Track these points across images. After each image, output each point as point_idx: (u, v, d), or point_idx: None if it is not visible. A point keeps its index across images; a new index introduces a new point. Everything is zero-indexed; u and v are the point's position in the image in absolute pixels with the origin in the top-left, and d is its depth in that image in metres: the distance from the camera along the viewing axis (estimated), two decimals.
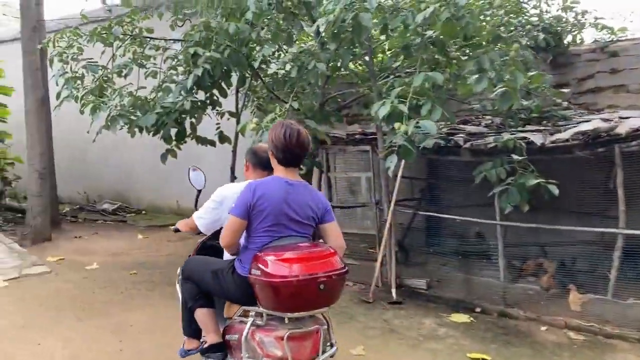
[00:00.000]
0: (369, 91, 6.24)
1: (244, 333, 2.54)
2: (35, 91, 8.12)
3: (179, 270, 3.16)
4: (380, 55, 6.41)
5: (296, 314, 2.47)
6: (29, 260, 6.60)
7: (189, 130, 5.63)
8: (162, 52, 5.85)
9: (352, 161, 6.42)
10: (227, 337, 2.83)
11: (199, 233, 3.08)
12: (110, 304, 5.14)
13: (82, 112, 5.36)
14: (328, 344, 2.63)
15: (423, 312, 4.86)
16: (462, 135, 5.29)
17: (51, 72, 5.58)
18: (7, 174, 10.17)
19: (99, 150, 10.19)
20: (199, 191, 3.43)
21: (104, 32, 5.19)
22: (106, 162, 11.07)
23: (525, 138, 4.72)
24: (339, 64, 5.44)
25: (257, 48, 5.35)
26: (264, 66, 5.99)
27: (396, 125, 3.88)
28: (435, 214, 5.58)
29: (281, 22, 4.90)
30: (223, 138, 5.83)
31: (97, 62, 5.29)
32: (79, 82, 5.29)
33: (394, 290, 5.17)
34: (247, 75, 5.73)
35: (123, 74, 5.38)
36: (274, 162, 2.67)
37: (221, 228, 2.79)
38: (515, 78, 4.20)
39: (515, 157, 4.47)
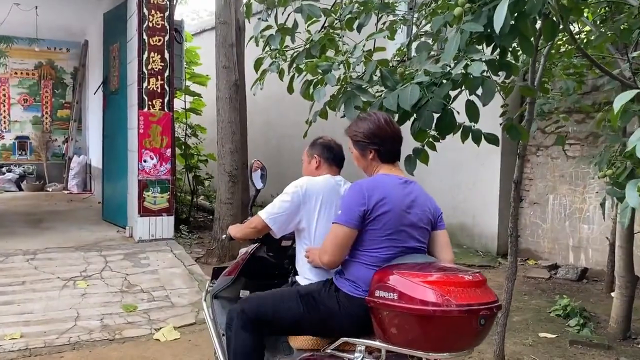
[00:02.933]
0: None
1: None
2: (229, 74, 6.55)
3: (207, 285, 3.03)
4: None
5: (444, 355, 1.93)
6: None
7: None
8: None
9: None
10: None
11: (259, 239, 2.75)
12: None
13: (290, 91, 3.35)
14: None
15: None
16: None
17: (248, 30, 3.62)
18: (199, 172, 9.08)
19: (304, 145, 8.57)
20: (258, 190, 3.07)
21: None
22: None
23: None
24: None
25: None
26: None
27: None
28: None
29: None
30: (515, 131, 3.31)
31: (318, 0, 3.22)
32: (291, 42, 3.27)
33: None
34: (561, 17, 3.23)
35: (355, 24, 3.26)
36: (374, 161, 2.29)
37: (280, 239, 2.64)
38: None
39: None
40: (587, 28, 4.87)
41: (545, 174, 6.43)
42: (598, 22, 4.56)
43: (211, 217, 9.34)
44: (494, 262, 6.38)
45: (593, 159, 5.34)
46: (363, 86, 2.85)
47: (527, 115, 3.62)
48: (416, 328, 1.94)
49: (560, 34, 4.20)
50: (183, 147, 8.64)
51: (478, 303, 1.91)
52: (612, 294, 5.14)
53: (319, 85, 2.93)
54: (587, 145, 6.04)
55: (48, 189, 11.30)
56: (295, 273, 2.75)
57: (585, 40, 4.51)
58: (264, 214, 2.50)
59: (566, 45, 4.45)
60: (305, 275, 2.51)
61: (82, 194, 10.85)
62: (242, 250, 3.19)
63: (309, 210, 2.47)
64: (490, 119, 3.59)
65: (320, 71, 2.85)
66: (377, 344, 2.06)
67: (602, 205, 3.78)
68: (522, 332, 4.29)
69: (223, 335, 3.00)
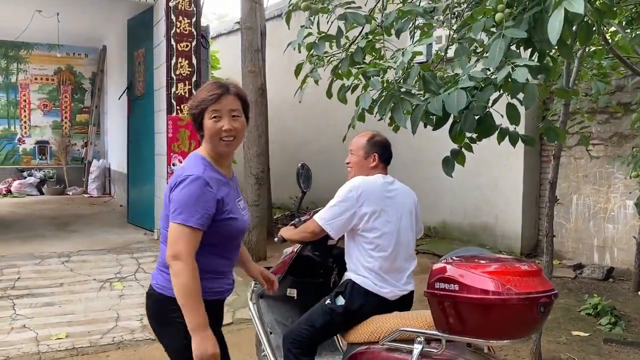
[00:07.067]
0: None
1: None
2: (255, 78, 6.67)
3: (252, 284, 3.05)
4: None
5: (504, 342, 2.08)
6: (245, 293, 5.01)
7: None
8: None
9: None
10: None
11: (312, 242, 2.79)
12: None
13: (329, 95, 3.44)
14: None
15: None
16: None
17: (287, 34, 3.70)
18: None
19: (321, 151, 8.64)
20: (304, 193, 3.16)
21: None
22: (323, 164, 9.51)
23: None
24: None
25: None
26: None
27: None
28: None
29: None
30: (552, 133, 3.38)
31: (360, 7, 3.31)
32: (329, 48, 3.35)
33: None
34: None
35: (394, 28, 3.33)
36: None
37: (325, 238, 2.71)
38: None
39: None
40: (613, 29, 4.94)
41: (568, 175, 6.48)
42: (624, 23, 4.63)
43: None
44: None
45: (619, 158, 5.39)
46: (411, 91, 2.93)
47: (562, 116, 3.69)
48: (477, 317, 2.00)
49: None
50: None
51: (537, 291, 1.97)
52: None
53: (363, 91, 3.02)
54: (611, 145, 6.08)
55: (68, 192, 11.43)
56: (341, 271, 2.83)
57: (614, 42, 4.58)
58: (320, 220, 2.60)
59: (596, 47, 4.51)
60: (359, 272, 2.59)
61: (102, 197, 10.98)
62: (288, 250, 3.24)
63: (364, 212, 2.56)
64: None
65: (367, 77, 2.93)
66: (437, 334, 2.11)
67: (638, 205, 3.84)
68: (555, 331, 4.35)
69: (270, 333, 3.07)
